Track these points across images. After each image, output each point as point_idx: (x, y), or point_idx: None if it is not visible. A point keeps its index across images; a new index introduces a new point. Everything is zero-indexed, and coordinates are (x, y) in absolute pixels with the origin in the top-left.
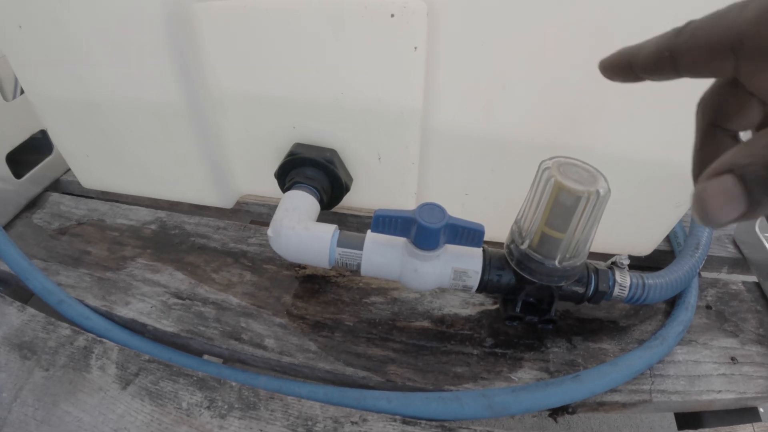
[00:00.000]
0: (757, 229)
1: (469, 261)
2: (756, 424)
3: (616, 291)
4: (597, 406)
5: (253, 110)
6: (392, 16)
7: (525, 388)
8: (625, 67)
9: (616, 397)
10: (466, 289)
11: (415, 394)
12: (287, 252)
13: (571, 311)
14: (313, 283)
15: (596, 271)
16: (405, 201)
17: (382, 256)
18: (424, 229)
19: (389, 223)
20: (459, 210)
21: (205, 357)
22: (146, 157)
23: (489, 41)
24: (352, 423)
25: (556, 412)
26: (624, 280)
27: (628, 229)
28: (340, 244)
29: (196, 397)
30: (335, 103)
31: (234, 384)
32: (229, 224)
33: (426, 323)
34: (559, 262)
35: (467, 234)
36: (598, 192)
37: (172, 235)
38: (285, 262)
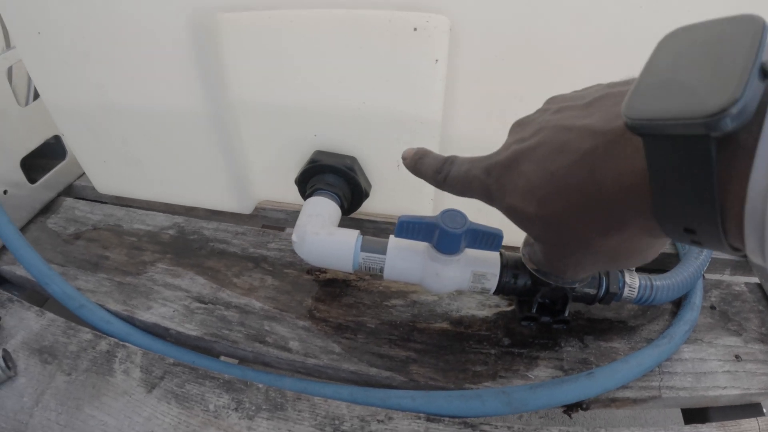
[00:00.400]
0: None
1: (488, 264)
2: (760, 419)
3: (626, 292)
4: (609, 402)
5: (275, 118)
6: (415, 29)
7: (542, 385)
8: (412, 169)
9: (627, 393)
10: (484, 291)
11: (438, 392)
12: (311, 257)
13: (582, 312)
14: (333, 287)
15: (607, 273)
16: (422, 207)
17: (404, 260)
18: (447, 234)
19: (413, 228)
20: (475, 215)
21: (222, 358)
22: (166, 163)
23: (507, 55)
24: (378, 421)
25: (570, 408)
26: (633, 281)
27: None
28: (363, 248)
29: (223, 399)
30: (356, 112)
31: (261, 386)
32: (248, 229)
33: (445, 324)
34: None
35: (487, 238)
36: None
37: (191, 240)
38: (305, 266)
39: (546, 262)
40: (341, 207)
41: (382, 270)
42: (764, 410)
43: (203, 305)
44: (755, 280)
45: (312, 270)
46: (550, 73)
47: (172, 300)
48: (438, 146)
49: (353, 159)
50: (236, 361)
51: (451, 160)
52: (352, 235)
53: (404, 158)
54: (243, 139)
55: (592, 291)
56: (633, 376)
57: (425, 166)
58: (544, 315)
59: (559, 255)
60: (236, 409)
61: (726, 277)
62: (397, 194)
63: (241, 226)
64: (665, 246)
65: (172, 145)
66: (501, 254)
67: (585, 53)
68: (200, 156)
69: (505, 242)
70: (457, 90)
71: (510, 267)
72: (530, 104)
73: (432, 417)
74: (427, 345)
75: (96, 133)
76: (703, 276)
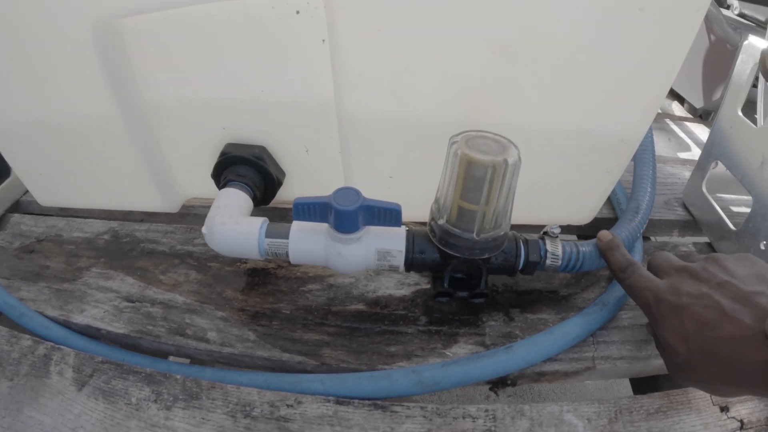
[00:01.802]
0: (704, 190)
1: (392, 241)
2: None
3: (549, 260)
4: (537, 376)
5: (186, 115)
6: (297, 12)
7: (455, 362)
8: (602, 253)
9: (557, 366)
10: (392, 268)
11: (348, 374)
12: (221, 247)
13: (509, 284)
14: (254, 277)
15: (526, 242)
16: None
17: (307, 242)
18: (340, 213)
19: (308, 210)
20: (386, 193)
21: (171, 359)
22: (93, 170)
23: (386, 27)
24: (288, 406)
25: (496, 386)
26: (556, 249)
27: (564, 199)
28: (268, 235)
29: (144, 392)
30: (258, 100)
31: (179, 377)
32: (177, 228)
33: (361, 306)
34: (477, 234)
35: (385, 214)
36: (505, 161)
37: (124, 243)
38: (227, 259)
39: (670, 368)
40: (254, 197)
41: (288, 254)
42: None
43: (131, 304)
44: (705, 239)
45: (234, 261)
46: (434, 42)
47: (103, 302)
48: (336, 128)
49: (262, 148)
50: (188, 361)
51: (633, 269)
52: (257, 223)
53: (599, 239)
54: (159, 140)
55: (510, 261)
56: (559, 348)
57: (613, 260)
58: (460, 290)
59: (683, 373)
60: (155, 401)
61: (674, 239)
62: (311, 180)
63: (171, 225)
64: None
65: (94, 151)
66: (408, 230)
67: (469, 17)
68: (121, 160)
69: (417, 218)
70: (345, 67)
71: (417, 242)
72: (418, 74)
73: (342, 399)
74: (341, 328)
75: (29, 147)
76: (648, 238)
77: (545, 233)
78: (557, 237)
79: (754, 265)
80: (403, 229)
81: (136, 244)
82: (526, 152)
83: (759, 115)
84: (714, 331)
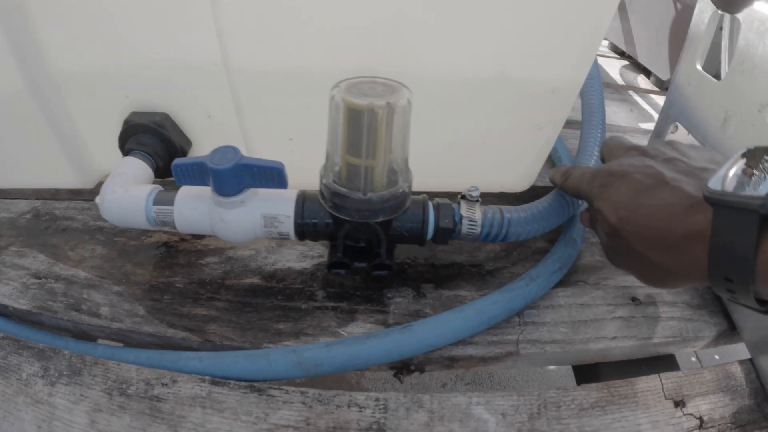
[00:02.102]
0: None
1: (280, 205)
2: (665, 375)
3: (465, 227)
4: (448, 362)
5: (89, 85)
6: None
7: (341, 343)
8: (559, 185)
9: (471, 351)
10: (282, 236)
11: (227, 353)
12: (112, 216)
13: (426, 256)
14: (156, 250)
15: (437, 206)
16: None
17: (192, 209)
18: (216, 173)
19: (187, 171)
20: (289, 158)
21: (100, 341)
22: (10, 149)
23: None
24: (163, 384)
25: (400, 371)
26: (473, 214)
27: (493, 162)
28: (156, 202)
29: (34, 367)
30: (154, 65)
31: (66, 353)
32: (94, 204)
33: (256, 279)
34: (364, 193)
35: (265, 174)
36: (388, 105)
37: (43, 221)
38: (135, 233)
39: (603, 244)
40: (156, 166)
41: (174, 223)
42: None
43: (38, 281)
44: None
45: (140, 235)
46: None
47: (14, 279)
48: (228, 88)
49: (164, 116)
50: (121, 345)
51: (574, 168)
52: (146, 190)
53: (552, 180)
54: (69, 113)
55: (416, 228)
56: (470, 329)
57: (557, 173)
58: (358, 260)
59: (615, 251)
60: (42, 377)
61: None
62: (215, 145)
63: (88, 202)
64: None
65: (5, 130)
66: (299, 193)
67: None
68: (32, 136)
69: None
70: (225, 18)
71: (307, 206)
72: (302, 17)
73: (218, 380)
74: (231, 303)
75: None
76: None
77: (462, 196)
78: (477, 201)
79: (711, 152)
80: (293, 192)
81: (53, 221)
82: (439, 106)
83: (723, 65)
84: (650, 198)
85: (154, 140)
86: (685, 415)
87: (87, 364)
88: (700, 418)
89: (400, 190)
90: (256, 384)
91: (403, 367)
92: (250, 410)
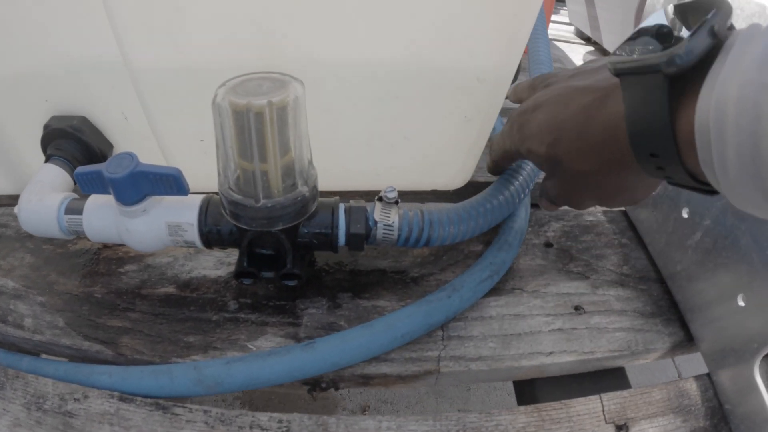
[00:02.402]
0: None
1: (183, 212)
2: (608, 396)
3: (381, 232)
4: (362, 379)
5: (10, 91)
6: None
7: (242, 360)
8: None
9: (385, 369)
10: (189, 245)
11: (133, 367)
12: (28, 226)
13: (345, 262)
14: (79, 258)
15: (349, 210)
16: (155, 158)
17: (99, 218)
18: (112, 182)
19: (88, 180)
20: (202, 159)
21: (43, 356)
22: None
23: None
24: (75, 400)
25: (313, 388)
26: (388, 218)
27: (422, 158)
28: (67, 211)
29: None
30: (66, 66)
31: None
32: None
33: (171, 288)
34: (257, 200)
35: (163, 181)
36: (270, 103)
37: None
38: (61, 241)
39: (557, 195)
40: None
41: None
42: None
43: None
44: (618, 207)
45: (67, 243)
46: None
47: None
48: (132, 87)
49: (82, 119)
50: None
51: (494, 135)
52: (59, 199)
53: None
54: None
55: (325, 234)
56: (382, 347)
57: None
58: (266, 269)
59: (566, 189)
60: None
61: None
62: (138, 150)
63: None
64: (654, 188)
65: None
66: (203, 199)
67: None
68: None
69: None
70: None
71: (210, 213)
72: (190, 14)
73: (126, 396)
74: (145, 313)
75: None
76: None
77: (379, 198)
78: (394, 202)
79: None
80: (198, 199)
81: None
82: (350, 99)
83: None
84: (567, 110)
85: (73, 145)
86: None
87: (9, 377)
88: None
89: (300, 195)
90: (161, 401)
91: (315, 384)
92: (155, 429)
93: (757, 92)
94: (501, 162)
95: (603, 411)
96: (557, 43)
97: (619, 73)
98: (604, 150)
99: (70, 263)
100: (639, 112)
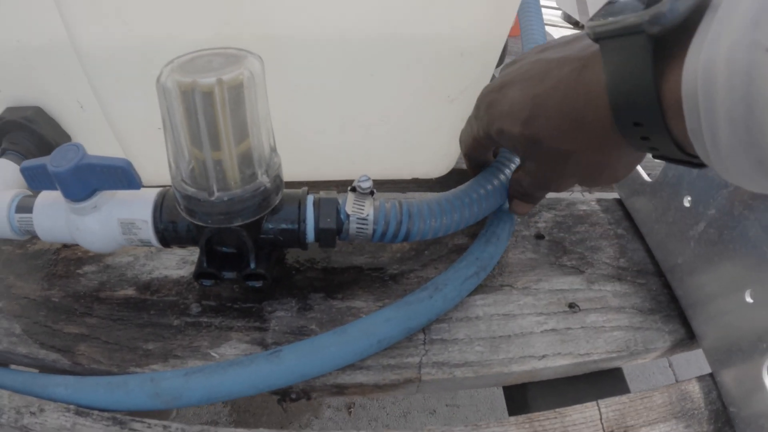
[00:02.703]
0: None
1: (136, 208)
2: (606, 402)
3: (354, 227)
4: (336, 389)
5: None
6: None
7: (200, 371)
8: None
9: (361, 378)
10: (145, 244)
11: (89, 378)
12: None
13: (317, 259)
14: (38, 259)
15: (318, 202)
16: (115, 149)
17: (49, 217)
18: (56, 176)
19: (35, 175)
20: (161, 149)
21: (12, 367)
22: None
23: None
24: (31, 413)
25: (283, 398)
26: (362, 209)
27: (401, 145)
28: (18, 209)
29: None
30: (16, 52)
31: None
32: None
33: (131, 291)
34: (210, 193)
35: (110, 173)
36: (219, 81)
37: None
38: (21, 241)
39: (533, 181)
40: None
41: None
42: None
43: None
44: (614, 195)
45: (25, 244)
46: None
47: None
48: (82, 70)
49: (36, 109)
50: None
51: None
52: (9, 196)
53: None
54: None
55: (291, 230)
56: (356, 355)
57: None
58: (228, 269)
59: (544, 171)
60: None
61: (575, 196)
62: (96, 141)
63: None
64: (636, 164)
65: None
66: (158, 193)
67: None
68: None
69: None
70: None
71: (165, 209)
72: None
73: (82, 409)
74: (103, 318)
75: None
76: None
77: (352, 188)
78: (368, 193)
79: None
80: (152, 193)
81: None
82: (319, 77)
83: None
84: (542, 84)
85: (27, 137)
86: None
87: None
88: None
89: (261, 187)
90: (119, 415)
91: (285, 395)
92: None
93: (749, 52)
94: (473, 153)
95: (601, 419)
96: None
97: (598, 37)
98: (586, 125)
99: (29, 265)
100: (621, 79)
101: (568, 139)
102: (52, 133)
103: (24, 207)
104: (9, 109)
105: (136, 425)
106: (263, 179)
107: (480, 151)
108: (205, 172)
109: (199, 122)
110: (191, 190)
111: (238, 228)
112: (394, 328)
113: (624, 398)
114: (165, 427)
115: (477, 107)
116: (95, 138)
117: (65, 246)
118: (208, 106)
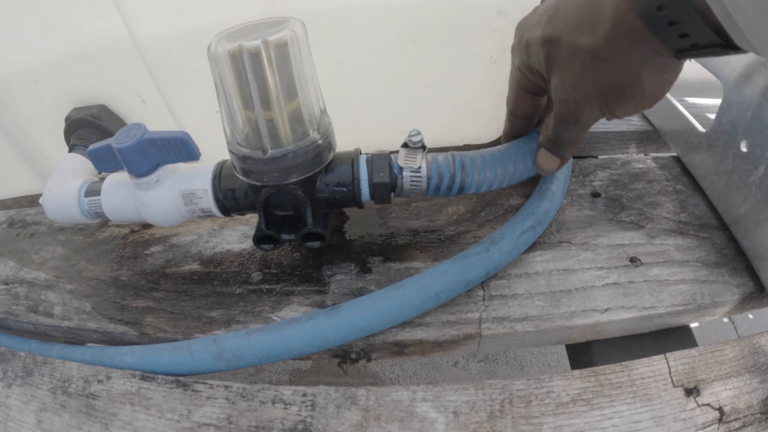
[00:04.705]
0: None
1: (196, 179)
2: (675, 355)
3: (408, 180)
4: (396, 347)
5: (30, 89)
6: None
7: (261, 330)
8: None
9: (420, 334)
10: (206, 213)
11: (154, 345)
12: (52, 214)
13: (374, 226)
14: (107, 245)
15: (370, 159)
16: None
17: (116, 196)
18: (120, 152)
19: (101, 156)
20: (219, 132)
21: (89, 345)
22: None
23: None
24: (99, 381)
25: (343, 360)
26: (415, 162)
27: (449, 110)
28: (87, 193)
29: None
30: (80, 56)
31: (22, 354)
32: None
33: (195, 265)
34: (264, 151)
35: (172, 146)
36: (266, 42)
37: (15, 229)
38: (91, 230)
39: (556, 111)
40: None
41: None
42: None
43: (5, 286)
44: (670, 153)
45: (95, 233)
46: None
47: None
48: (143, 64)
49: (101, 107)
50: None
51: None
52: (78, 183)
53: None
54: (17, 119)
55: (345, 186)
56: (414, 309)
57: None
58: (286, 231)
59: (564, 86)
60: (2, 379)
61: (631, 155)
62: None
63: None
64: (664, 81)
65: None
66: (217, 164)
67: None
68: None
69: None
70: None
71: (224, 177)
72: None
73: (148, 375)
74: (169, 292)
75: None
76: (593, 156)
77: (404, 144)
78: (420, 147)
79: None
80: (210, 164)
81: (24, 228)
82: (365, 47)
83: None
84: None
85: (93, 133)
86: (699, 406)
87: (38, 364)
88: (720, 409)
89: (313, 143)
90: (182, 378)
91: (345, 356)
92: (175, 407)
93: None
94: (516, 102)
95: (670, 373)
96: None
97: None
98: (602, 9)
99: (98, 251)
100: None
101: (585, 30)
102: (116, 127)
103: (92, 191)
104: (75, 109)
105: (199, 386)
106: (314, 135)
107: (523, 100)
108: (258, 131)
109: (250, 83)
110: (246, 151)
111: (294, 186)
112: (452, 281)
113: (693, 351)
114: (227, 387)
115: (514, 36)
116: (157, 129)
117: (132, 231)
118: (256, 67)
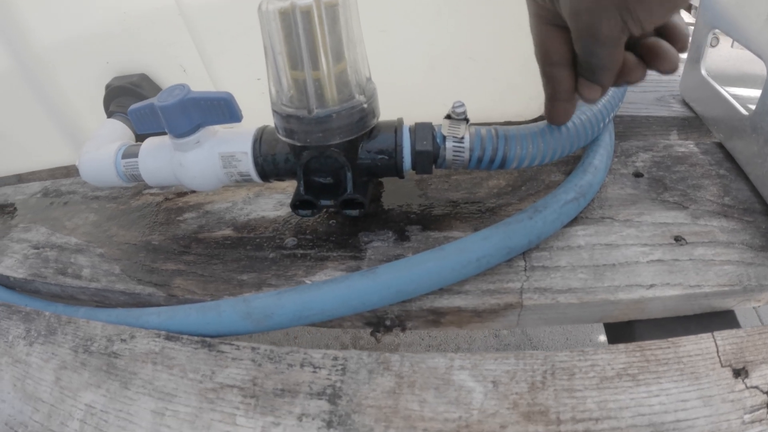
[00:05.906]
0: (704, 73)
1: (236, 142)
2: (719, 335)
3: (451, 150)
4: (433, 315)
5: (72, 54)
6: None
7: (294, 290)
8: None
9: (458, 302)
10: (244, 178)
11: (181, 306)
12: (88, 177)
13: (413, 196)
14: (139, 212)
15: (414, 128)
16: None
17: (154, 158)
18: (162, 110)
19: (142, 116)
20: (260, 100)
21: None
22: (16, 137)
23: None
24: (122, 340)
25: (377, 328)
26: (459, 132)
27: (491, 84)
28: (124, 155)
29: (19, 329)
30: (123, 25)
31: (47, 314)
32: None
33: (228, 231)
34: (310, 111)
35: (215, 107)
36: (318, 0)
37: (49, 198)
38: (125, 198)
39: (566, 8)
40: None
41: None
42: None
43: (36, 251)
44: (712, 139)
45: (129, 200)
46: None
47: (17, 252)
48: (188, 32)
49: (142, 76)
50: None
51: None
52: (115, 145)
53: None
54: (60, 89)
55: (388, 154)
56: (454, 274)
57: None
58: (324, 197)
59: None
60: (24, 338)
61: (673, 140)
62: None
63: None
64: None
65: (9, 121)
66: (258, 128)
67: None
68: (32, 120)
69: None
70: None
71: (265, 140)
72: None
73: (172, 335)
74: (200, 256)
75: None
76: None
77: (447, 116)
78: (463, 119)
79: None
80: (252, 128)
81: (58, 197)
82: (407, 16)
83: None
84: None
85: (132, 100)
86: (748, 388)
87: (62, 323)
88: None
89: (358, 106)
90: (208, 339)
91: (379, 323)
92: (198, 367)
93: None
94: (544, 48)
95: (717, 352)
96: None
97: None
98: None
99: (131, 218)
100: None
101: None
102: (153, 94)
103: (130, 153)
104: (116, 78)
105: (225, 347)
106: (360, 98)
107: (550, 37)
108: (306, 91)
109: (300, 42)
110: (291, 110)
111: (336, 151)
112: (493, 247)
113: (741, 332)
114: (254, 348)
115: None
116: None
117: (167, 199)
118: (307, 25)
